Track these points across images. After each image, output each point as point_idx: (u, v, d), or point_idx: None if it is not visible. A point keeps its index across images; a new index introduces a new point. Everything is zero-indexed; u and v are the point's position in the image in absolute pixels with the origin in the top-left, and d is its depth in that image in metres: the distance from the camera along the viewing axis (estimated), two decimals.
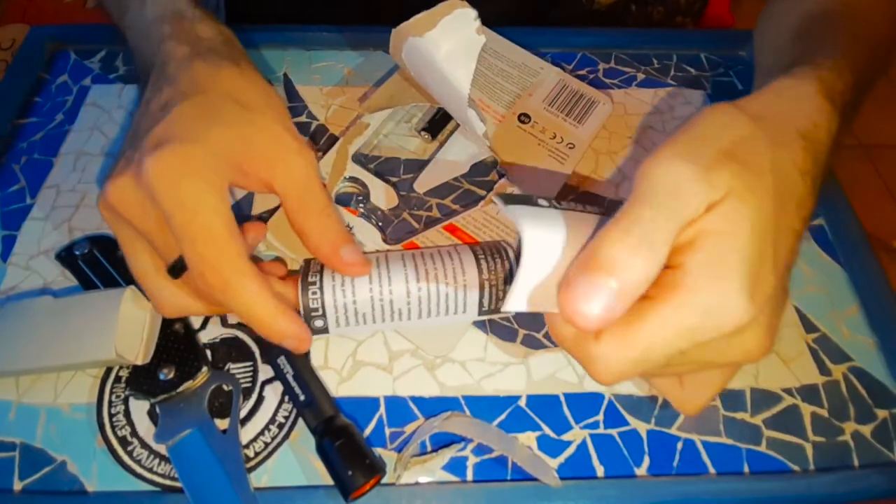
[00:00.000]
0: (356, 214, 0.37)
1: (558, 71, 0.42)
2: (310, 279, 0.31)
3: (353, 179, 0.38)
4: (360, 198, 0.38)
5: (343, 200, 0.38)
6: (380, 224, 0.37)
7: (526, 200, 0.24)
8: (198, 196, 0.26)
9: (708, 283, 0.21)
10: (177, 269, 0.28)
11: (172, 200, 0.26)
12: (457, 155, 0.39)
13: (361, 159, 0.39)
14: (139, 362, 0.30)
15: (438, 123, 0.40)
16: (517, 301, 0.23)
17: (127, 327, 0.30)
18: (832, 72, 0.28)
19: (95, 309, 0.30)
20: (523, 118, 0.41)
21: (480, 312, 0.32)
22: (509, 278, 0.31)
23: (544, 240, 0.23)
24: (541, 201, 0.25)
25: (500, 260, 0.32)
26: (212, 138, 0.28)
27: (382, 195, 0.37)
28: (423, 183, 0.38)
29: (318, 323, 0.31)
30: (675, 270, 0.22)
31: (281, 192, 0.30)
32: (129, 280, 0.33)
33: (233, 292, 0.26)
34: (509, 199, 0.24)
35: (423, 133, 0.40)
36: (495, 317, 0.34)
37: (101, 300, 0.31)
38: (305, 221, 0.30)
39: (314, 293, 0.30)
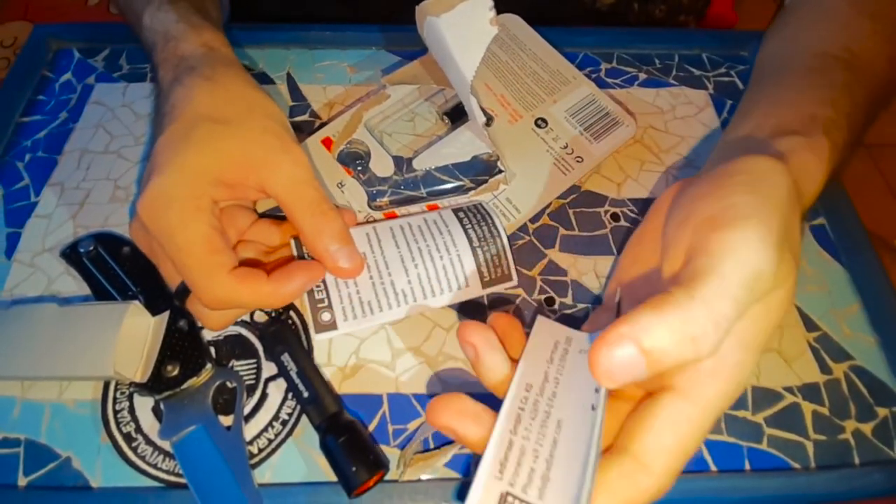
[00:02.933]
0: (351, 175, 0.38)
1: (591, 85, 0.42)
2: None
3: (358, 142, 0.39)
4: (360, 161, 0.39)
5: (344, 159, 0.39)
6: (370, 189, 0.38)
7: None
8: (178, 221, 0.28)
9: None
10: (178, 293, 0.31)
11: (159, 231, 0.29)
12: (462, 143, 0.40)
13: (373, 127, 0.41)
14: (138, 379, 0.30)
15: (461, 112, 0.41)
16: None
17: (127, 344, 0.30)
18: (834, 143, 0.30)
19: (97, 323, 0.31)
20: (540, 122, 0.41)
21: (483, 283, 0.33)
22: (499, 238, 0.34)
23: None
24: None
25: (486, 225, 0.34)
26: (186, 163, 0.29)
27: (381, 163, 0.39)
28: (423, 161, 0.39)
29: (326, 317, 0.31)
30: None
31: (273, 193, 0.31)
32: (133, 277, 0.34)
33: (226, 300, 0.29)
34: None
35: (444, 117, 0.41)
36: (500, 288, 0.34)
37: (104, 314, 0.31)
38: (301, 220, 0.30)
39: (319, 287, 0.31)
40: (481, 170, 0.38)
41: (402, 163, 0.39)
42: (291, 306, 0.34)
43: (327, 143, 0.39)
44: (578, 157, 0.39)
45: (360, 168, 0.38)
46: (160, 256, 0.31)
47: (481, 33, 0.35)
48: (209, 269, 0.28)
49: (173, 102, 0.32)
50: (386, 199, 0.38)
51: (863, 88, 0.34)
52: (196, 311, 0.31)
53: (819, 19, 0.38)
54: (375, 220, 0.36)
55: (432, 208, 0.37)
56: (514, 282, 0.34)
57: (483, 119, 0.37)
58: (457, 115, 0.41)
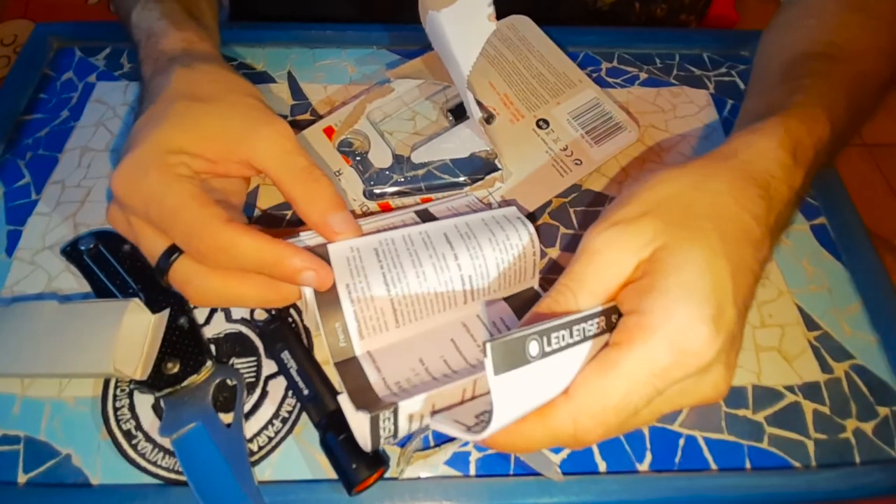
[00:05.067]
0: (349, 164, 0.38)
1: (597, 89, 0.42)
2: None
3: (359, 132, 0.40)
4: (359, 151, 0.39)
5: (343, 149, 0.39)
6: (366, 178, 0.38)
7: (515, 352, 0.22)
8: (159, 185, 0.27)
9: (666, 316, 0.22)
10: (160, 265, 0.29)
11: (141, 199, 0.27)
12: (461, 139, 0.40)
13: (375, 119, 0.41)
14: (137, 377, 0.30)
15: (465, 109, 0.40)
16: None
17: (127, 342, 0.30)
18: (802, 124, 0.29)
19: (97, 320, 0.31)
20: (541, 123, 0.41)
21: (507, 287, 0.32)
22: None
23: (514, 415, 0.22)
24: (531, 348, 0.22)
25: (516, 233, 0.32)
26: (162, 138, 0.29)
27: (379, 154, 0.39)
28: (421, 155, 0.39)
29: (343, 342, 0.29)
30: (635, 314, 0.23)
31: (261, 166, 0.30)
32: (134, 275, 0.33)
33: (228, 248, 0.27)
34: (499, 356, 0.21)
35: (448, 114, 0.41)
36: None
37: (105, 311, 0.31)
38: (292, 189, 0.30)
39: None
40: (478, 166, 0.38)
41: (401, 157, 0.39)
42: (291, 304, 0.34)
43: (329, 131, 0.40)
44: (577, 159, 0.39)
45: (359, 158, 0.39)
46: (139, 231, 0.29)
47: (481, 28, 0.35)
48: (205, 218, 0.27)
49: (152, 90, 0.31)
50: (382, 189, 0.38)
51: (845, 76, 0.33)
52: (181, 283, 0.29)
53: (805, 16, 0.38)
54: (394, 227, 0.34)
55: (426, 201, 0.38)
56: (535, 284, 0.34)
57: (479, 114, 0.37)
58: (460, 113, 0.41)
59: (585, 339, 0.23)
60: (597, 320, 0.24)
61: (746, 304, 0.25)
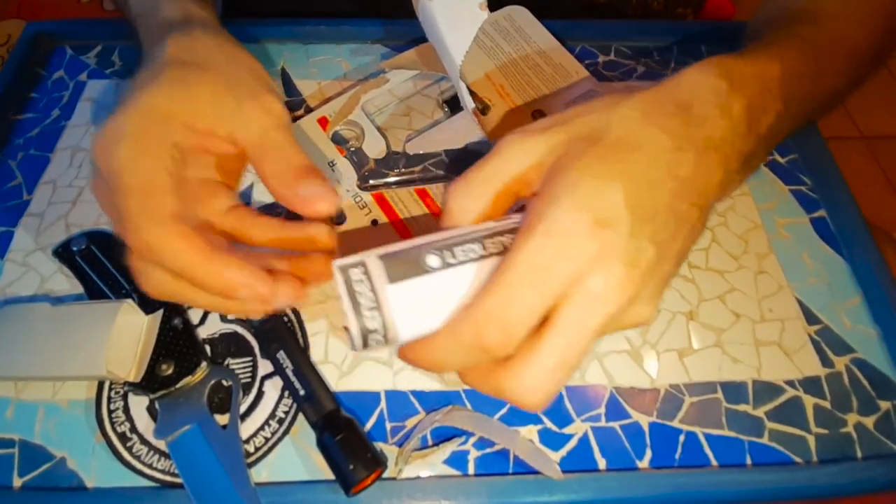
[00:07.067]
0: (343, 154, 0.39)
1: (594, 81, 0.42)
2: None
3: (353, 123, 0.40)
4: (353, 141, 0.39)
5: (337, 139, 0.39)
6: (360, 169, 0.38)
7: (409, 263, 0.22)
8: (129, 158, 0.25)
9: (546, 210, 0.22)
10: (120, 243, 0.26)
11: (107, 167, 0.25)
12: (455, 130, 0.40)
13: (369, 109, 0.41)
14: (131, 379, 0.30)
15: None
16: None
17: (120, 343, 0.30)
18: (741, 58, 0.28)
19: (90, 322, 0.30)
20: (536, 114, 0.40)
21: None
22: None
23: (420, 328, 0.22)
24: (430, 260, 0.22)
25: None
26: (149, 102, 0.26)
27: (374, 144, 0.39)
28: (416, 145, 0.39)
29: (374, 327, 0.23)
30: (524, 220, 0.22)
31: (242, 142, 0.27)
32: (126, 276, 0.33)
33: (154, 249, 0.24)
34: (393, 266, 0.21)
35: (444, 105, 0.41)
36: None
37: (97, 313, 0.30)
38: (264, 166, 0.27)
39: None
40: (472, 157, 0.38)
41: (395, 144, 0.39)
42: None
43: (323, 122, 0.40)
44: None
45: (352, 148, 0.39)
46: (111, 207, 0.26)
47: (473, 17, 0.35)
48: (142, 211, 0.24)
49: (147, 58, 0.30)
50: (376, 181, 0.38)
51: (804, 31, 0.32)
52: (134, 268, 0.26)
53: None
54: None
55: (420, 192, 0.37)
56: None
57: (472, 104, 0.37)
58: (456, 104, 0.41)
59: (493, 255, 0.23)
60: (510, 237, 0.23)
61: (658, 217, 0.23)
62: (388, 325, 0.22)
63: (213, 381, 0.31)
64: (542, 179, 0.24)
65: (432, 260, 0.22)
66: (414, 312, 0.22)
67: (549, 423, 0.31)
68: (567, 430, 0.31)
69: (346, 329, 0.22)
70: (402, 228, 0.36)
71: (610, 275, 0.21)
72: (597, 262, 0.21)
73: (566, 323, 0.21)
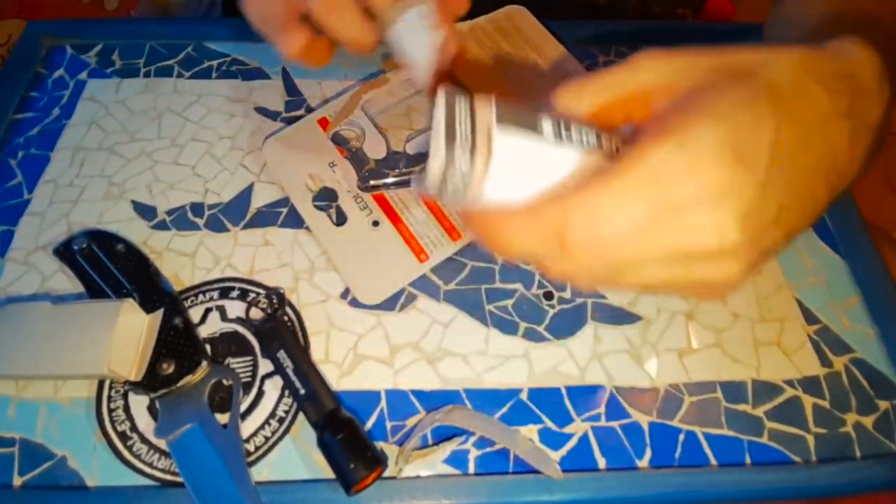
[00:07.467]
0: (343, 155, 0.39)
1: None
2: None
3: (353, 123, 0.40)
4: (353, 142, 0.39)
5: (338, 140, 0.39)
6: (361, 169, 0.38)
7: (525, 118, 0.19)
8: None
9: (679, 126, 0.19)
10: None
11: None
12: None
13: (369, 109, 0.41)
14: (132, 378, 0.30)
15: None
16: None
17: (121, 342, 0.30)
18: (873, 45, 0.24)
19: (91, 321, 0.30)
20: None
21: None
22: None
23: (507, 192, 0.20)
24: (545, 125, 0.19)
25: None
26: None
27: (374, 144, 0.39)
28: (416, 145, 0.39)
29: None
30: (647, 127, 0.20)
31: None
32: (127, 275, 0.33)
33: None
34: (507, 111, 0.19)
35: None
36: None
37: (98, 312, 0.31)
38: None
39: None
40: None
41: (395, 145, 0.39)
42: (287, 302, 0.34)
43: (323, 123, 0.40)
44: None
45: (353, 149, 0.39)
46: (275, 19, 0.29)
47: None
48: None
49: None
50: (377, 182, 0.38)
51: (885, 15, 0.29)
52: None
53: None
54: None
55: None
56: None
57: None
58: None
59: (603, 153, 0.20)
60: (624, 148, 0.20)
61: (796, 179, 0.20)
62: (477, 173, 0.19)
63: (213, 381, 0.31)
64: (671, 104, 0.21)
65: (547, 124, 0.19)
66: (508, 173, 0.19)
67: (549, 423, 0.31)
68: (567, 430, 0.31)
69: (421, 171, 0.20)
70: (403, 229, 0.36)
71: (722, 213, 0.19)
72: (719, 195, 0.19)
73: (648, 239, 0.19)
